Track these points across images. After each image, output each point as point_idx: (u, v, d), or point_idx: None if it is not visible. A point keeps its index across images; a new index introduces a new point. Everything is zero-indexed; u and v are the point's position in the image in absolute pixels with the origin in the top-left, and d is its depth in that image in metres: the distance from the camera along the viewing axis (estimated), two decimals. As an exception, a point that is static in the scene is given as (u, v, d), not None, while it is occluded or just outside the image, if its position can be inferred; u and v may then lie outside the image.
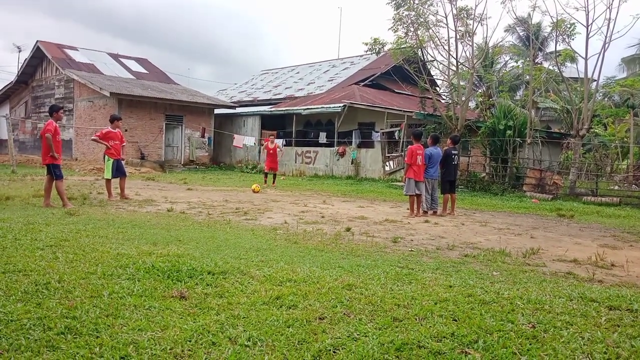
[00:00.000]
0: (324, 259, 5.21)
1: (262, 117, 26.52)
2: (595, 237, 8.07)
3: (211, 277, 3.89)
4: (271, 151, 16.25)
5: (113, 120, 11.18)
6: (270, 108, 27.13)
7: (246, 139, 24.77)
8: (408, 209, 10.26)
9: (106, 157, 10.86)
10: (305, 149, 24.25)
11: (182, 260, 4.27)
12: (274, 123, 26.48)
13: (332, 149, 22.99)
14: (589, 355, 2.60)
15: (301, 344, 2.73)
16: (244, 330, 2.86)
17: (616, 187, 17.73)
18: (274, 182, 16.39)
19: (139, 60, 32.56)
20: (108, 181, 10.82)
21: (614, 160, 24.09)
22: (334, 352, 2.65)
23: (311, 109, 24.16)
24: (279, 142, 23.65)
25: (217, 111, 27.61)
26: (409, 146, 10.26)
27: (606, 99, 26.04)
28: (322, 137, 23.47)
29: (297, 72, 36.49)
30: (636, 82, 20.12)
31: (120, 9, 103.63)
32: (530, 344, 2.76)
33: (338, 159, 22.62)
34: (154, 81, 29.30)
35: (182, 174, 21.18)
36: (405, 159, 10.44)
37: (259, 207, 10.23)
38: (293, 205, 10.93)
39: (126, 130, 23.54)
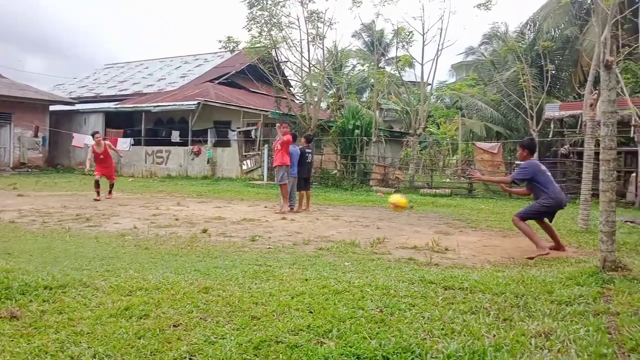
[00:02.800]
0: (179, 263, 5.01)
1: (106, 115, 24.55)
2: (431, 225, 8.95)
3: (48, 292, 3.50)
4: (101, 155, 12.53)
5: None
6: (116, 104, 25.26)
7: (87, 138, 22.69)
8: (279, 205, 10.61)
9: None
10: (156, 148, 23.02)
11: (12, 276, 3.77)
12: (121, 121, 24.68)
13: (186, 148, 22.19)
14: (429, 333, 2.86)
15: (154, 354, 2.59)
16: (89, 347, 2.62)
17: (448, 180, 19.91)
18: (110, 193, 12.66)
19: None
20: None
21: (446, 156, 27.02)
22: (190, 359, 2.56)
23: (162, 106, 22.97)
24: (125, 141, 22.11)
25: (53, 108, 24.89)
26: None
27: (439, 101, 29.13)
28: (175, 136, 22.51)
29: (146, 67, 34.46)
30: (463, 86, 22.77)
31: None
32: (379, 328, 2.95)
33: (193, 159, 21.92)
34: (-29, 73, 25.42)
35: (11, 178, 18.70)
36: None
37: (104, 213, 9.47)
38: (143, 209, 10.33)
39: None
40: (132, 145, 22.38)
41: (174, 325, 2.99)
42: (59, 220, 8.32)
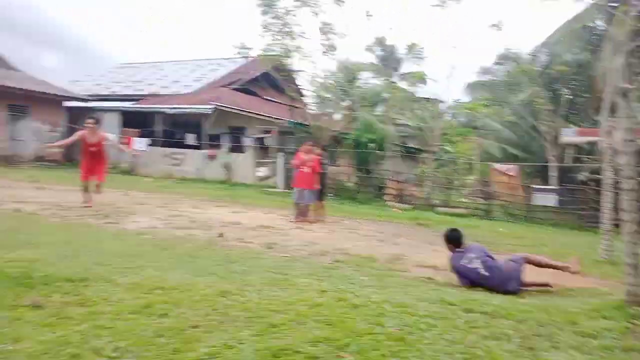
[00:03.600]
0: (197, 265, 5.02)
1: (122, 114, 24.76)
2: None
3: (70, 284, 3.53)
4: (92, 148, 9.56)
5: None
6: (133, 103, 25.44)
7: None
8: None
9: None
10: (172, 150, 23.15)
11: (36, 266, 3.82)
12: (136, 121, 24.79)
13: (202, 151, 22.32)
14: (451, 356, 2.82)
15: (174, 354, 2.59)
16: (110, 341, 2.64)
17: (464, 200, 19.76)
18: (97, 188, 9.82)
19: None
20: None
21: (462, 176, 26.83)
22: (210, 361, 2.56)
23: (179, 108, 23.12)
24: (141, 141, 22.21)
25: (69, 104, 25.10)
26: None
27: (454, 119, 28.94)
28: (191, 139, 22.65)
29: (162, 69, 34.68)
30: (477, 106, 22.61)
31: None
32: (398, 347, 2.91)
33: (208, 163, 22.05)
34: (-10, 66, 25.79)
35: (30, 171, 18.98)
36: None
37: (123, 210, 9.54)
38: (161, 209, 10.39)
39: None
40: (150, 145, 22.57)
41: (193, 327, 3.00)
42: (78, 215, 8.40)
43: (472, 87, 31.43)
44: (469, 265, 5.35)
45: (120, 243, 6.03)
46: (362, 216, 12.77)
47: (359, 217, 12.46)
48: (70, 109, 25.24)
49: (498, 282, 5.21)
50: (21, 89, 22.59)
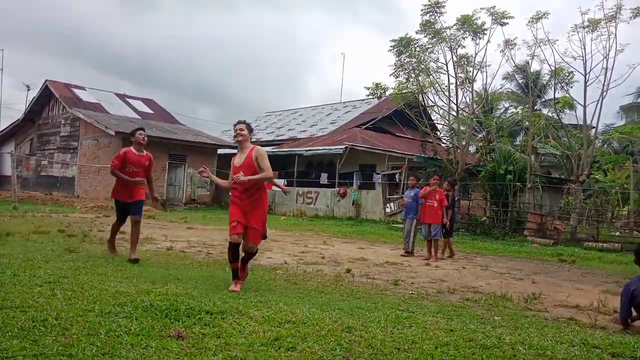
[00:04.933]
0: (324, 300, 5.16)
1: (264, 158, 26.70)
2: (597, 283, 7.99)
3: (209, 316, 3.85)
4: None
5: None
6: (273, 148, 27.40)
7: (248, 179, 24.86)
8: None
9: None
10: (306, 189, 24.33)
11: (181, 300, 4.23)
12: (276, 163, 26.62)
13: (333, 189, 23.05)
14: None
15: (299, 386, 2.69)
16: (242, 372, 2.81)
17: (617, 234, 17.64)
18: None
19: (144, 101, 33.12)
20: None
21: (615, 207, 24.06)
22: (333, 395, 2.60)
23: (313, 150, 24.40)
24: (279, 182, 23.66)
25: (220, 151, 27.87)
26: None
27: (605, 146, 26.33)
28: (324, 178, 23.57)
29: (300, 115, 37.05)
30: (634, 129, 20.40)
31: (126, 50, 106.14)
32: (532, 391, 2.70)
33: (339, 200, 22.64)
34: (159, 121, 29.72)
35: (183, 213, 21.18)
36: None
37: (259, 247, 10.16)
38: (293, 246, 10.89)
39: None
40: (286, 185, 23.91)
41: (318, 361, 3.08)
42: (221, 252, 9.14)
43: (627, 109, 28.48)
44: None
45: (255, 278, 6.42)
46: (497, 252, 12.06)
47: (493, 254, 11.79)
48: (222, 156, 27.94)
49: None
50: (181, 140, 25.62)
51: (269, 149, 27.79)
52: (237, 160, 5.54)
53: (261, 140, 32.19)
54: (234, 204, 5.48)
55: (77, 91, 29.16)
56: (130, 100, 32.03)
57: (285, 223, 18.24)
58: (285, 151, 26.11)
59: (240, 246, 5.51)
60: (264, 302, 4.60)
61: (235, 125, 5.73)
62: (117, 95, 32.01)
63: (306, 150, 24.64)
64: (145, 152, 7.38)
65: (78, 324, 3.45)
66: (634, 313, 4.77)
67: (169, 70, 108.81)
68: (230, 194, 5.70)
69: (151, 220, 16.53)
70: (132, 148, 7.28)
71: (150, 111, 31.58)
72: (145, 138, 7.38)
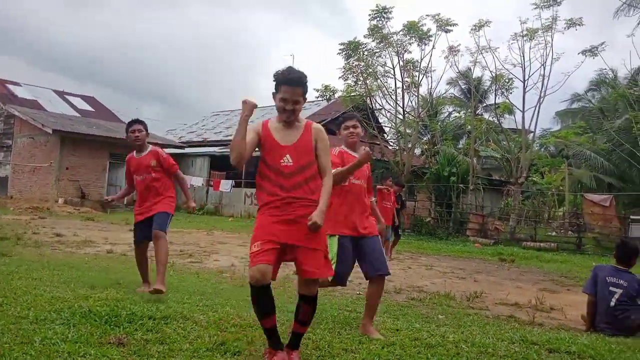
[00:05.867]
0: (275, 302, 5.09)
1: (211, 158, 26.26)
2: (535, 281, 8.36)
3: (152, 322, 3.71)
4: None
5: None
6: (221, 149, 26.99)
7: (193, 179, 24.39)
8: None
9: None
10: (254, 190, 24.08)
11: (122, 305, 4.07)
12: (224, 164, 26.25)
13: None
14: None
15: (245, 392, 2.63)
16: (186, 379, 2.72)
17: (553, 233, 18.58)
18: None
19: (85, 98, 31.75)
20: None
21: (551, 208, 25.33)
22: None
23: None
24: (227, 183, 23.29)
25: (166, 151, 27.15)
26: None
27: (542, 149, 27.66)
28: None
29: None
30: (569, 134, 21.53)
31: (67, 47, 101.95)
32: (475, 388, 2.77)
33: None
34: (100, 119, 28.56)
35: (125, 214, 20.43)
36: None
37: (205, 249, 9.98)
38: (241, 248, 10.74)
39: (67, 169, 22.71)
40: (233, 187, 23.58)
41: (265, 366, 3.03)
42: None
43: (562, 115, 30.00)
44: (610, 287, 4.80)
45: (201, 282, 6.28)
46: (441, 252, 12.40)
47: (437, 254, 12.11)
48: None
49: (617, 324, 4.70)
50: (123, 139, 24.68)
51: (216, 149, 27.37)
52: (280, 136, 3.32)
53: (208, 140, 31.62)
54: (268, 212, 3.25)
55: (11, 87, 27.60)
56: (70, 98, 30.62)
57: (233, 225, 17.99)
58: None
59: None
60: (210, 306, 4.50)
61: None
62: (56, 92, 30.52)
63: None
64: (149, 148, 5.48)
65: (10, 332, 3.24)
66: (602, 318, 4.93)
67: (113, 68, 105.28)
68: (256, 196, 3.50)
69: (90, 223, 15.85)
70: (134, 151, 5.52)
71: (90, 109, 30.30)
72: (139, 135, 5.35)
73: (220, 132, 33.45)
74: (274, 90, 3.25)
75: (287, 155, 3.22)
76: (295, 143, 3.26)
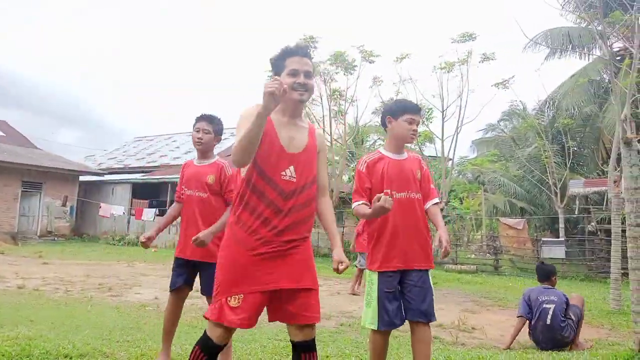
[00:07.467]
0: (198, 335, 4.93)
1: (133, 186, 25.23)
2: (457, 302, 8.69)
3: (68, 361, 3.48)
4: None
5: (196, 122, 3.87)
6: (143, 176, 26.01)
7: (114, 208, 23.27)
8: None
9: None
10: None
11: (34, 343, 3.76)
12: (147, 192, 25.29)
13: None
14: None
15: None
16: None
17: (472, 256, 19.50)
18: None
19: (-6, 123, 29.61)
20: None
21: (470, 231, 26.61)
22: None
23: (185, 178, 23.55)
24: (149, 212, 22.38)
25: (83, 178, 25.71)
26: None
27: (460, 176, 29.17)
28: (198, 208, 22.85)
29: (174, 140, 35.60)
30: (484, 161, 22.89)
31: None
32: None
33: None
34: (12, 144, 26.68)
35: (37, 247, 19.03)
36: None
37: (126, 282, 9.48)
38: (165, 280, 10.30)
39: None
40: (157, 215, 22.72)
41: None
42: (81, 289, 8.35)
43: (478, 144, 31.90)
44: (544, 305, 5.13)
45: (122, 316, 5.96)
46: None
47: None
48: (84, 183, 25.72)
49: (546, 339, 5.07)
50: (36, 166, 23.13)
51: (138, 176, 26.34)
52: (286, 138, 2.38)
53: (129, 166, 30.39)
54: (250, 245, 2.30)
55: None
56: (-23, 122, 28.44)
57: (157, 255, 17.25)
58: (156, 179, 24.83)
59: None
60: (132, 342, 4.28)
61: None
62: (-39, 115, 28.21)
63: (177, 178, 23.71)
64: (214, 158, 3.91)
65: None
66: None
67: (26, 91, 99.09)
68: (233, 216, 2.39)
69: (-2, 256, 14.61)
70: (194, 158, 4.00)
71: (1, 133, 28.28)
72: (202, 137, 3.79)
73: (143, 158, 32.28)
74: (275, 70, 2.52)
75: (291, 167, 2.34)
76: (302, 151, 2.41)
